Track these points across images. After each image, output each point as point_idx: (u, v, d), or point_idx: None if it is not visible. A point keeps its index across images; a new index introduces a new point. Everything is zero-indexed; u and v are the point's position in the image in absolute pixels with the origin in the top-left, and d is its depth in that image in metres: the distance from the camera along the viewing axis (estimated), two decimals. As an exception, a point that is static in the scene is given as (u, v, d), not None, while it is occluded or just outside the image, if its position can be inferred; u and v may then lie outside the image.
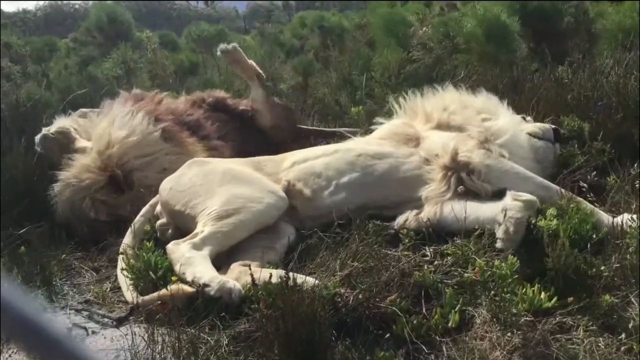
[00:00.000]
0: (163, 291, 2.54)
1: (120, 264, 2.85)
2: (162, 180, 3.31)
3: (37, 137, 3.89)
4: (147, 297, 2.59)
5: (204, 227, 2.89)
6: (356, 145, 3.42)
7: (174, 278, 2.62)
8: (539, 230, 2.59)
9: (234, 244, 2.92)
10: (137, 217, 3.24)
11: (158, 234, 3.14)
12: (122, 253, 2.92)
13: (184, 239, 2.87)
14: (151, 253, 2.77)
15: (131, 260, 2.78)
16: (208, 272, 2.62)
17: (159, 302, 2.49)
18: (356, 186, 3.18)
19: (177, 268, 2.69)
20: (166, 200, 3.15)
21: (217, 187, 3.05)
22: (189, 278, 2.60)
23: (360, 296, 2.35)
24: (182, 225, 3.07)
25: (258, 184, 3.13)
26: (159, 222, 3.20)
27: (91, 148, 3.72)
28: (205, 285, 2.51)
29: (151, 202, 3.32)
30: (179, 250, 2.76)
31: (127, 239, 3.10)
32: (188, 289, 2.51)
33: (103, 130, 3.74)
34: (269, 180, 3.22)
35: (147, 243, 2.81)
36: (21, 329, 0.62)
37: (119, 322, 2.57)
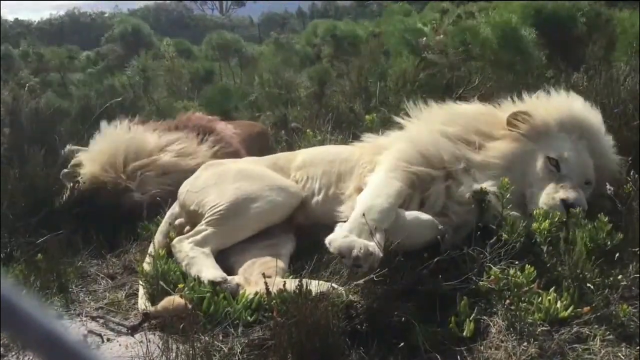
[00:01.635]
0: (163, 302, 2.58)
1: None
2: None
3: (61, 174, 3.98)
4: (157, 307, 2.62)
5: (207, 225, 2.98)
6: (353, 156, 3.31)
7: (180, 285, 2.65)
8: (553, 237, 2.56)
9: (237, 241, 3.01)
10: (161, 225, 3.30)
11: (176, 233, 3.19)
12: (137, 260, 2.97)
13: (187, 235, 2.99)
14: (164, 261, 2.80)
15: (145, 268, 2.81)
16: (211, 270, 2.74)
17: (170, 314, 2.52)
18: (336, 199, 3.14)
19: (182, 266, 2.85)
20: (183, 201, 3.25)
21: (227, 186, 3.11)
22: (195, 276, 2.74)
23: (374, 305, 2.34)
24: (196, 225, 3.12)
25: (268, 182, 3.15)
26: (177, 221, 3.28)
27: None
28: (211, 282, 2.63)
29: (171, 209, 3.37)
30: (183, 249, 2.90)
31: (151, 246, 3.15)
32: (180, 300, 2.52)
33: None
34: (282, 177, 3.26)
35: (160, 251, 2.84)
36: (38, 339, 0.63)
37: (133, 331, 2.58)
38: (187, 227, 3.16)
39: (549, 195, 2.80)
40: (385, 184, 2.83)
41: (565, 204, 2.73)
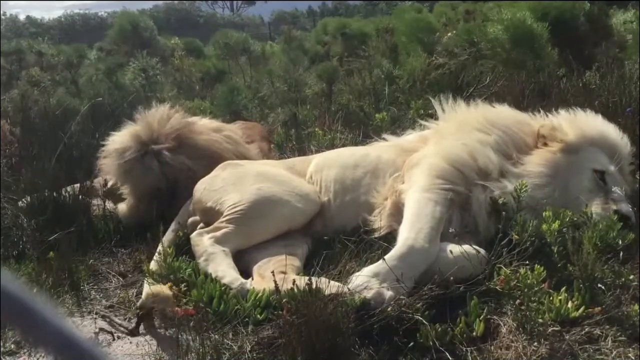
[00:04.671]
0: (146, 293, 2.59)
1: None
2: None
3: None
4: (142, 298, 2.63)
5: (227, 223, 2.98)
6: (370, 160, 3.30)
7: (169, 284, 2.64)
8: (563, 238, 2.55)
9: (256, 243, 3.00)
10: (172, 224, 3.32)
11: (188, 231, 3.20)
12: (144, 260, 3.00)
13: (207, 229, 3.00)
14: (173, 259, 2.81)
15: (152, 268, 2.82)
16: (230, 273, 2.73)
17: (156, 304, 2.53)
18: (357, 205, 3.14)
19: (199, 261, 2.85)
20: (199, 199, 3.24)
21: (248, 186, 3.11)
22: (212, 274, 2.74)
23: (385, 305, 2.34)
24: (212, 223, 3.12)
25: (290, 187, 3.15)
26: (190, 220, 3.29)
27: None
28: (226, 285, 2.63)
29: (184, 207, 3.39)
30: (202, 243, 2.90)
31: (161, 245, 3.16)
32: (167, 292, 2.53)
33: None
34: (303, 182, 3.26)
35: (169, 249, 2.85)
36: (50, 336, 0.64)
37: (133, 333, 2.59)
38: (201, 225, 3.17)
39: (599, 206, 2.83)
40: (425, 211, 2.75)
41: (618, 215, 2.72)
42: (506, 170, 2.92)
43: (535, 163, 2.93)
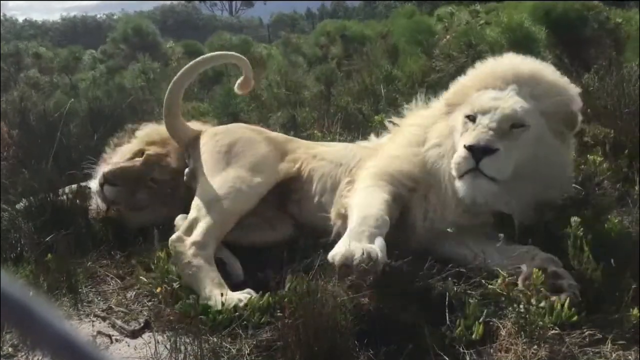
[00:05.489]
0: None
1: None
2: None
3: None
4: None
5: (198, 214, 3.00)
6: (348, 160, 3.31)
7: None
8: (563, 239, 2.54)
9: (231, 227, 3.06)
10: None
11: (185, 179, 3.37)
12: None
13: (185, 231, 2.95)
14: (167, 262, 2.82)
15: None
16: (214, 294, 2.65)
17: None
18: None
19: (183, 273, 2.78)
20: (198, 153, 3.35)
21: (221, 169, 3.20)
22: (201, 293, 2.67)
23: (382, 306, 2.33)
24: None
25: (255, 164, 3.23)
26: (186, 170, 3.39)
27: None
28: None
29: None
30: (185, 255, 2.82)
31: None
32: None
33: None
34: (274, 161, 3.32)
35: (160, 253, 2.86)
36: (49, 338, 0.63)
37: (134, 335, 2.58)
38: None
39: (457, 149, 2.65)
40: (371, 197, 2.80)
41: (473, 151, 2.54)
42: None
43: (436, 135, 2.91)
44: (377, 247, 2.43)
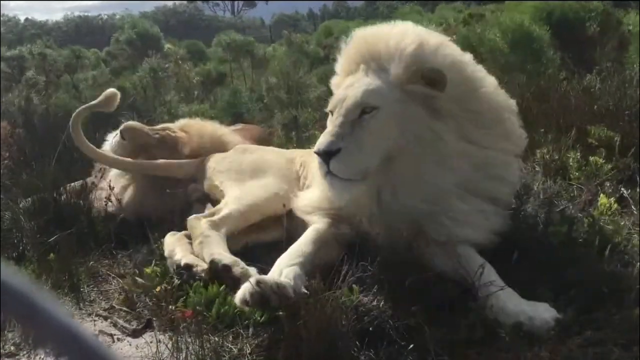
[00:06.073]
0: None
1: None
2: None
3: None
4: None
5: (224, 205, 3.16)
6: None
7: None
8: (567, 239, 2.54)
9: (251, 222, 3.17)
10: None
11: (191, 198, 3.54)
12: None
13: (204, 214, 3.16)
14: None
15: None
16: (227, 255, 2.77)
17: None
18: None
19: (195, 243, 2.95)
20: (208, 175, 3.54)
21: (247, 178, 3.37)
22: (206, 257, 2.78)
23: (382, 305, 2.34)
24: (214, 198, 3.43)
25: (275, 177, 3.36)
26: (191, 186, 3.56)
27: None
28: (226, 266, 2.66)
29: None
30: (199, 227, 2.99)
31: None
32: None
33: None
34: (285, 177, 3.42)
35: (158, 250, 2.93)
36: (56, 334, 0.63)
37: (135, 335, 2.59)
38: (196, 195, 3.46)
39: None
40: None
41: (320, 155, 2.40)
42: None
43: None
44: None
